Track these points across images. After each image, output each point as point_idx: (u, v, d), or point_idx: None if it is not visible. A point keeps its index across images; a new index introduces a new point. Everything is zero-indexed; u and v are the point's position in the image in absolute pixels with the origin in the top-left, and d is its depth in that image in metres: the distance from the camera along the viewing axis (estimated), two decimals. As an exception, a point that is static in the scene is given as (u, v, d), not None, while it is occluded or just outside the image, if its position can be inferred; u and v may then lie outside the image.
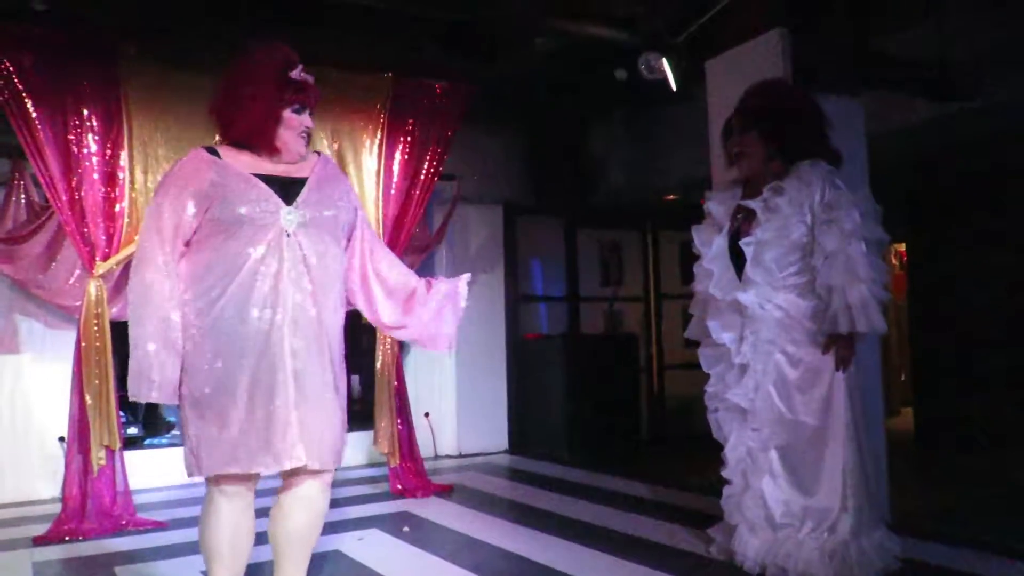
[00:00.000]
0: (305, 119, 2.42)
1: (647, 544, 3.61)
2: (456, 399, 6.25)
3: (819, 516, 2.96)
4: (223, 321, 2.26)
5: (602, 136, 6.65)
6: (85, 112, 4.12)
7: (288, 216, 2.33)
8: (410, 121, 4.97)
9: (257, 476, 2.37)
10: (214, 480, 2.34)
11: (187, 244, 2.32)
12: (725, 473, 3.24)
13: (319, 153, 2.57)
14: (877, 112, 4.25)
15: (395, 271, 2.64)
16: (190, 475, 2.31)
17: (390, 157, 4.91)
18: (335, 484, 5.18)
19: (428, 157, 5.01)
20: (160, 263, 2.28)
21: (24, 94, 3.99)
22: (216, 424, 2.27)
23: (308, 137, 2.46)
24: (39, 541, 3.90)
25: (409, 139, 4.97)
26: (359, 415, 6.56)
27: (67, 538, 3.93)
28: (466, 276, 2.65)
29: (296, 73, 2.40)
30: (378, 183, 4.85)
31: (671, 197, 6.95)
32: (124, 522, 4.13)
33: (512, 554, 3.54)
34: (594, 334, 7.14)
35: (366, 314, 2.65)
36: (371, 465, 5.74)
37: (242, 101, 2.34)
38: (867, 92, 4.03)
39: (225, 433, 2.26)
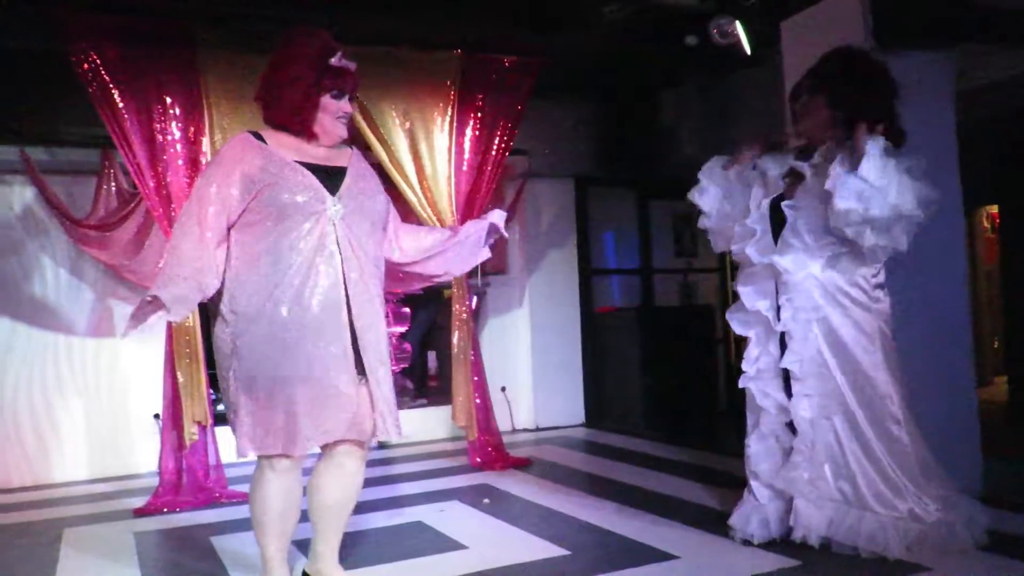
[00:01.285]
0: (344, 104, 2.50)
1: (727, 517, 3.58)
2: (532, 373, 6.29)
3: (888, 488, 2.88)
4: (277, 307, 2.35)
5: (673, 104, 6.52)
6: (168, 100, 4.26)
7: (335, 206, 2.42)
8: (480, 97, 4.98)
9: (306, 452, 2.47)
10: (267, 457, 2.44)
11: (231, 228, 2.40)
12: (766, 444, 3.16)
13: (352, 147, 2.66)
14: (966, 67, 4.06)
15: (420, 237, 2.79)
16: (243, 455, 2.39)
17: (461, 134, 4.94)
18: (417, 457, 5.33)
19: (498, 132, 5.02)
20: (197, 236, 2.36)
21: (111, 85, 4.14)
22: (270, 406, 2.35)
23: (347, 122, 2.54)
24: (139, 513, 4.10)
25: (479, 115, 4.98)
26: (437, 390, 6.70)
27: (164, 510, 4.12)
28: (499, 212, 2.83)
29: (336, 60, 2.46)
30: (449, 160, 4.88)
31: (746, 164, 6.77)
32: (217, 495, 4.31)
33: (592, 526, 3.56)
34: (669, 306, 7.07)
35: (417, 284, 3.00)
36: (451, 439, 5.83)
37: (282, 86, 2.43)
38: (955, 46, 3.84)
39: (279, 415, 2.35)
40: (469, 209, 4.92)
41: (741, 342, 6.98)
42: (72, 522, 4.00)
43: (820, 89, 3.08)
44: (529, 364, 6.30)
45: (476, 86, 4.95)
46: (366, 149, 5.05)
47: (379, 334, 2.49)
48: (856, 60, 3.13)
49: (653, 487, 4.24)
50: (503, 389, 6.05)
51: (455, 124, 4.90)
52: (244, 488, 4.38)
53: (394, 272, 2.77)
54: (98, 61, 4.11)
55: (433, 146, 4.87)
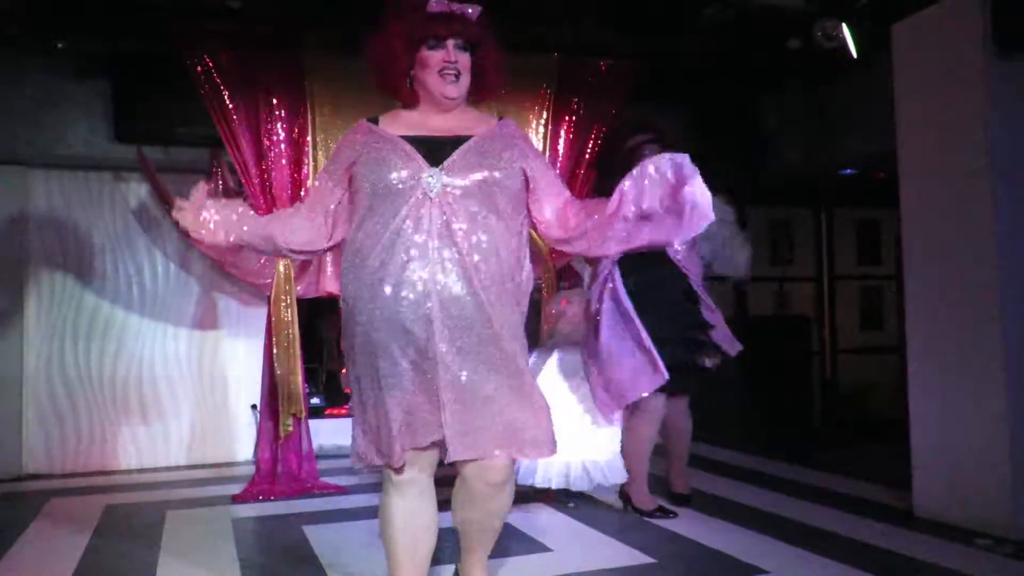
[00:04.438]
0: (445, 54, 2.10)
1: (823, 534, 3.47)
2: (619, 379, 6.22)
3: None
4: (367, 301, 2.06)
5: (772, 109, 6.37)
6: (274, 102, 4.41)
7: (429, 179, 2.05)
8: (575, 101, 4.97)
9: (430, 461, 2.19)
10: (385, 469, 2.16)
11: (340, 220, 2.24)
12: None
13: (502, 118, 2.28)
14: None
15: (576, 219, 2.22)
16: (353, 465, 2.19)
17: (555, 137, 4.94)
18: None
19: (592, 136, 5.00)
20: (289, 212, 2.34)
21: (222, 87, 4.31)
22: (366, 411, 2.13)
23: (456, 76, 2.12)
24: (237, 499, 4.25)
25: (574, 119, 4.98)
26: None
27: (260, 497, 4.26)
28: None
29: (434, 5, 2.10)
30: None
31: (847, 173, 6.57)
32: (309, 485, 4.43)
33: (680, 536, 3.50)
34: (763, 315, 6.90)
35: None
36: (535, 442, 5.82)
37: (379, 55, 2.15)
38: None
39: (375, 421, 2.11)
40: (562, 212, 4.91)
41: (839, 355, 6.82)
42: (175, 505, 4.18)
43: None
44: (617, 370, 6.23)
45: (572, 89, 4.95)
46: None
47: (481, 335, 2.05)
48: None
49: (746, 500, 4.14)
50: (590, 394, 5.99)
51: (550, 127, 4.91)
52: (335, 480, 4.53)
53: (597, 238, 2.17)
54: (211, 65, 4.29)
55: (528, 148, 4.89)
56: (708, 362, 3.82)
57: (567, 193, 2.30)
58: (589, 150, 4.99)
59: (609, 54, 5.01)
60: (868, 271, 7.10)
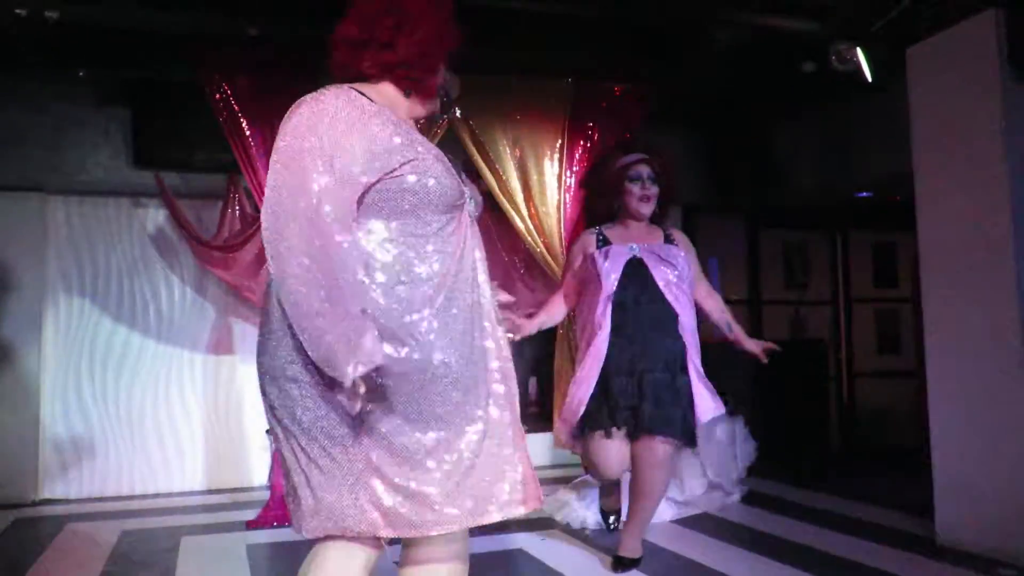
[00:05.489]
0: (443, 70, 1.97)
1: (846, 564, 3.42)
2: (634, 403, 6.18)
3: None
4: (421, 325, 1.69)
5: (787, 132, 6.37)
6: (291, 128, 4.43)
7: (470, 200, 1.85)
8: (589, 124, 5.00)
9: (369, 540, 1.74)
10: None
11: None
12: None
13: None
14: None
15: None
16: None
17: (570, 160, 4.96)
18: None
19: (607, 160, 5.01)
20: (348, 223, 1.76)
21: (240, 114, 4.36)
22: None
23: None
24: (251, 525, 4.24)
25: (589, 143, 4.99)
26: (537, 417, 6.68)
27: (275, 523, 4.24)
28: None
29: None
30: (559, 187, 4.90)
31: (863, 195, 6.55)
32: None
33: (696, 563, 3.46)
34: (779, 339, 6.83)
35: None
36: (551, 466, 5.80)
37: (414, 24, 1.80)
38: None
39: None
40: (577, 235, 4.92)
41: (855, 379, 6.75)
42: (189, 531, 4.18)
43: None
44: (632, 394, 6.20)
45: (587, 113, 4.97)
46: (477, 176, 5.15)
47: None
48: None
49: (762, 527, 4.09)
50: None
51: (565, 151, 4.93)
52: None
53: None
54: (229, 91, 4.34)
55: (543, 173, 4.91)
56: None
57: None
58: (603, 173, 5.01)
59: (624, 78, 5.03)
60: (884, 294, 7.05)
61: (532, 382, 7.17)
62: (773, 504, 4.60)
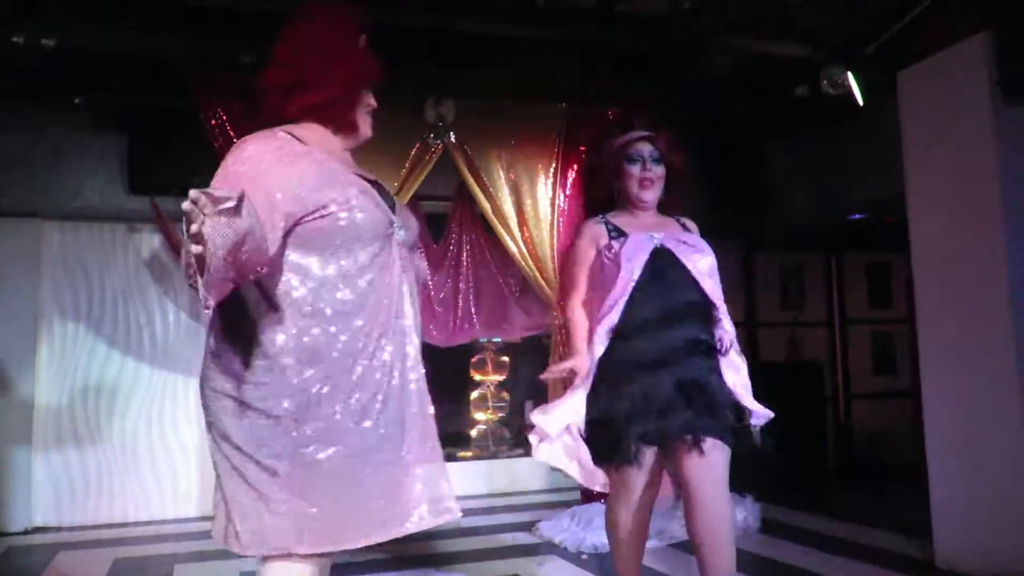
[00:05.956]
0: (370, 96, 1.99)
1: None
2: (631, 426, 6.16)
3: None
4: (343, 350, 1.73)
5: (781, 155, 6.41)
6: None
7: (399, 229, 1.87)
8: (583, 148, 5.02)
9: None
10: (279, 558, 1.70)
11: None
12: None
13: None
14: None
15: None
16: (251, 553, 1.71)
17: (563, 184, 4.98)
18: (519, 508, 5.29)
19: (602, 184, 5.04)
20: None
21: (235, 139, 4.34)
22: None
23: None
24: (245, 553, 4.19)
25: (582, 166, 5.01)
26: (534, 440, 6.65)
27: (269, 550, 4.20)
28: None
29: (364, 43, 1.98)
30: (553, 210, 4.92)
31: (857, 217, 6.59)
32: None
33: (696, 589, 3.43)
34: (774, 361, 6.86)
35: None
36: (546, 491, 5.77)
37: (330, 64, 1.87)
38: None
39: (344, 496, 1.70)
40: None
41: (852, 400, 6.75)
42: (183, 558, 4.14)
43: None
44: (629, 417, 6.19)
45: (580, 137, 5.00)
46: (470, 199, 5.17)
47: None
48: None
49: (758, 550, 4.07)
50: (602, 441, 5.95)
51: (558, 175, 4.96)
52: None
53: None
54: (224, 117, 4.36)
55: (536, 196, 4.92)
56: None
57: None
58: (598, 197, 5.03)
59: (618, 102, 5.06)
60: (880, 315, 7.07)
61: (528, 405, 7.15)
62: (771, 527, 4.57)
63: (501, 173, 4.86)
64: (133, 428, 5.21)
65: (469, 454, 6.25)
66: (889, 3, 3.93)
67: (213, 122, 4.36)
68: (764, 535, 4.39)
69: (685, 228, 2.91)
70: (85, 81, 4.50)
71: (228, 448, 1.72)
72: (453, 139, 4.71)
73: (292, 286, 1.72)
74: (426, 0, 3.69)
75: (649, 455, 2.56)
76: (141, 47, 4.06)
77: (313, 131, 1.89)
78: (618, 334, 2.60)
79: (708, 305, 2.68)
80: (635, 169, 2.80)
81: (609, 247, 2.71)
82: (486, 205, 4.86)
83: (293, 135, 1.82)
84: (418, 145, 4.70)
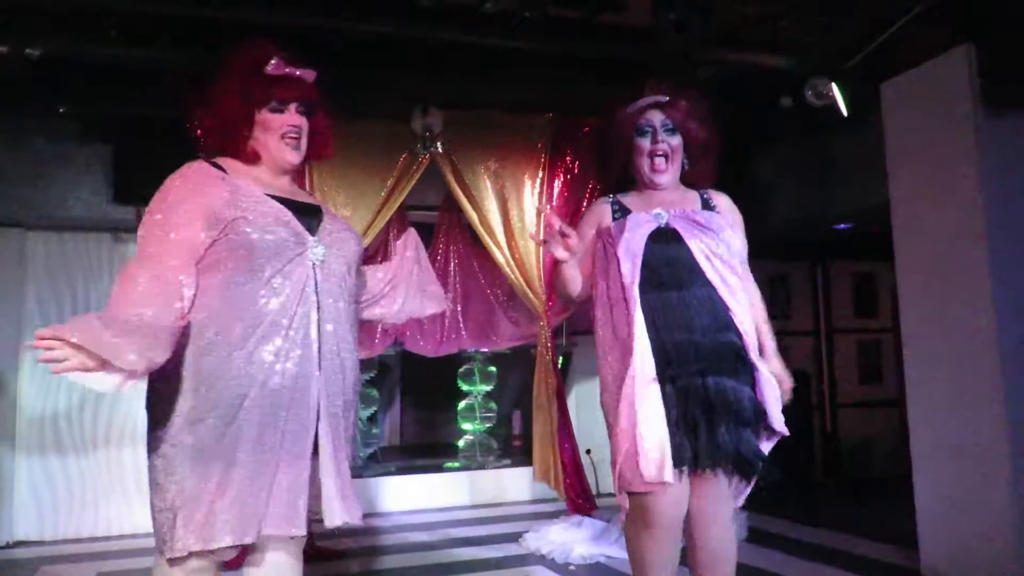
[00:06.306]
0: (289, 118, 2.06)
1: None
2: (618, 436, 6.16)
3: None
4: (241, 368, 1.85)
5: (767, 165, 6.44)
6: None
7: (315, 248, 1.97)
8: (568, 159, 5.04)
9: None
10: (184, 559, 1.92)
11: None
12: None
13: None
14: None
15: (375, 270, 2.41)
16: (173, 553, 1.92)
17: (550, 194, 5.00)
18: (506, 519, 5.28)
19: (587, 193, 5.05)
20: (164, 268, 1.87)
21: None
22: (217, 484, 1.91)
23: (297, 141, 2.09)
24: (229, 567, 4.14)
25: (568, 176, 5.04)
26: (520, 450, 6.65)
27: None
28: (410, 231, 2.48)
29: (272, 67, 2.07)
30: (539, 220, 4.93)
31: (842, 227, 6.63)
32: (305, 549, 4.32)
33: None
34: (761, 370, 6.87)
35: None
36: (535, 501, 5.76)
37: (213, 102, 2.09)
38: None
39: (227, 495, 1.91)
40: (556, 269, 4.93)
41: (838, 409, 6.77)
42: (167, 571, 4.09)
43: None
44: (616, 426, 6.19)
45: (566, 147, 5.02)
46: (457, 209, 5.17)
47: (351, 400, 2.06)
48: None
49: (744, 559, 4.05)
50: (588, 451, 5.94)
51: (545, 185, 4.97)
52: (332, 543, 4.45)
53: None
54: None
55: (523, 206, 4.94)
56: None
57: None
58: (584, 207, 5.04)
59: (603, 113, 5.07)
60: (865, 324, 7.11)
61: (516, 415, 7.15)
62: (757, 536, 4.58)
63: (488, 183, 4.86)
64: (117, 440, 5.16)
65: (456, 465, 6.23)
66: (873, 15, 3.97)
67: (200, 132, 4.33)
68: (750, 544, 4.39)
69: (709, 204, 2.59)
70: (70, 90, 4.47)
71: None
72: (440, 149, 4.72)
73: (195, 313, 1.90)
74: (412, 10, 3.69)
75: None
76: (127, 56, 4.04)
77: (231, 161, 2.10)
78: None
79: (718, 300, 2.42)
80: (645, 142, 2.49)
81: (609, 231, 2.47)
82: (473, 215, 4.86)
83: (216, 163, 2.07)
84: (405, 155, 4.69)
